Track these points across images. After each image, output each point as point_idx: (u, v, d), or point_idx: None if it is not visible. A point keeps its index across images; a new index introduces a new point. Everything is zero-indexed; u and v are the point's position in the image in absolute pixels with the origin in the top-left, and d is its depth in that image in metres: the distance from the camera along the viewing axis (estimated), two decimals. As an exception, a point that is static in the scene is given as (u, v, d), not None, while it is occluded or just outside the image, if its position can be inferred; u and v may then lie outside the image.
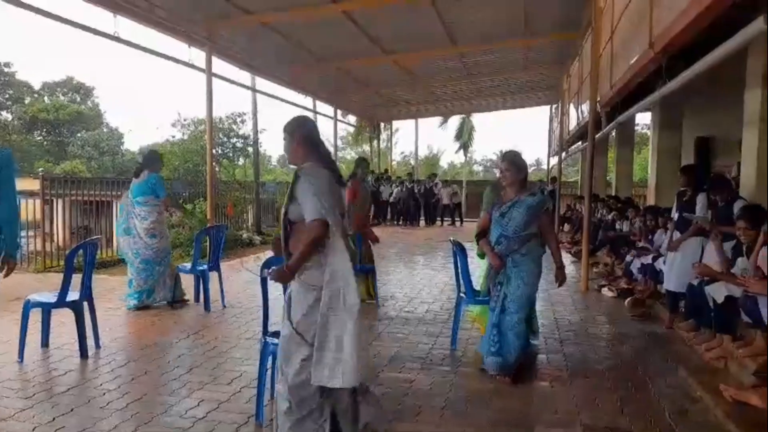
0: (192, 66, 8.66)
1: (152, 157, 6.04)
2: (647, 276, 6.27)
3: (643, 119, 19.36)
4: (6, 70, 42.14)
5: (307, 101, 14.27)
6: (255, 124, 14.15)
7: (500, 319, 3.85)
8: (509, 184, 3.84)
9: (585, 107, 9.03)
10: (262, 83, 12.35)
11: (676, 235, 5.16)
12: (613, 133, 11.04)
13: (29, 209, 8.66)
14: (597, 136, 7.52)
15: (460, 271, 4.56)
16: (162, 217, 5.84)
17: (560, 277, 4.01)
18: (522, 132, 72.59)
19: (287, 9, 8.00)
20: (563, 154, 14.02)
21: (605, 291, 6.81)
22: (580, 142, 15.67)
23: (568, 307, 6.01)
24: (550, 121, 19.94)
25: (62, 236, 10.32)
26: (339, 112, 16.18)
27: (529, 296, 3.88)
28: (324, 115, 15.31)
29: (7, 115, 42.55)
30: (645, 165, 20.22)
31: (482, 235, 4.09)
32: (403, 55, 10.91)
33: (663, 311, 5.51)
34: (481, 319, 4.57)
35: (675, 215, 5.25)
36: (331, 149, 23.01)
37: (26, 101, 42.09)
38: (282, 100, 12.82)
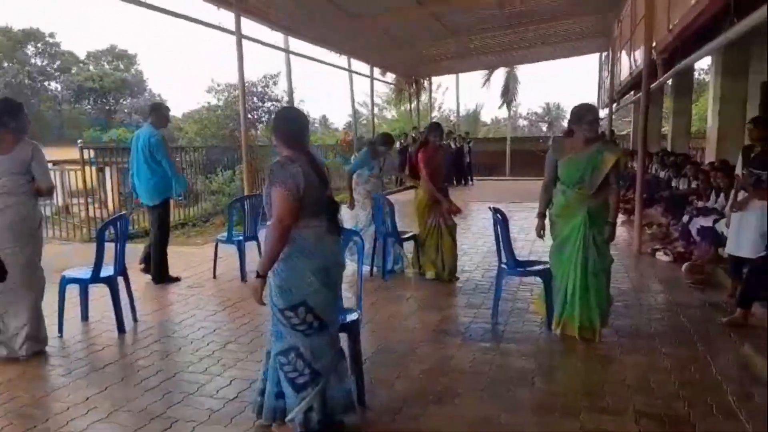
0: (221, 28, 8.43)
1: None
2: (707, 239, 5.81)
3: (701, 64, 18.03)
4: (50, 40, 43.16)
5: (342, 60, 13.89)
6: (290, 86, 13.85)
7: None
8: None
9: (638, 54, 8.32)
10: (295, 44, 12.03)
11: (742, 194, 4.68)
12: (669, 81, 10.22)
13: (79, 178, 8.88)
14: (652, 86, 6.90)
15: (501, 239, 4.29)
16: None
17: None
18: (568, 83, 69.63)
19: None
20: (614, 105, 13.18)
21: (660, 255, 6.39)
22: (632, 93, 14.76)
23: (619, 273, 5.59)
24: (600, 70, 18.86)
25: (113, 203, 10.56)
26: (377, 70, 15.72)
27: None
28: (360, 74, 14.92)
29: (56, 85, 43.88)
30: (702, 115, 18.96)
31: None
32: (439, 4, 10.32)
33: (725, 278, 5.08)
34: (540, 306, 4.27)
35: (741, 172, 4.75)
36: (365, 109, 22.51)
37: (72, 71, 43.11)
38: (316, 60, 12.49)
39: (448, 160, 16.56)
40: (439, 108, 34.68)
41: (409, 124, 24.01)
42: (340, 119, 52.26)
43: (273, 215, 2.46)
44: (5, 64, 40.53)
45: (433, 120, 22.93)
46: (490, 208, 4.44)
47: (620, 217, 9.53)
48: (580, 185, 3.76)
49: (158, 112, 5.51)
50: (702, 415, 2.80)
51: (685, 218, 6.57)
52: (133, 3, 6.82)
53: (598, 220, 3.79)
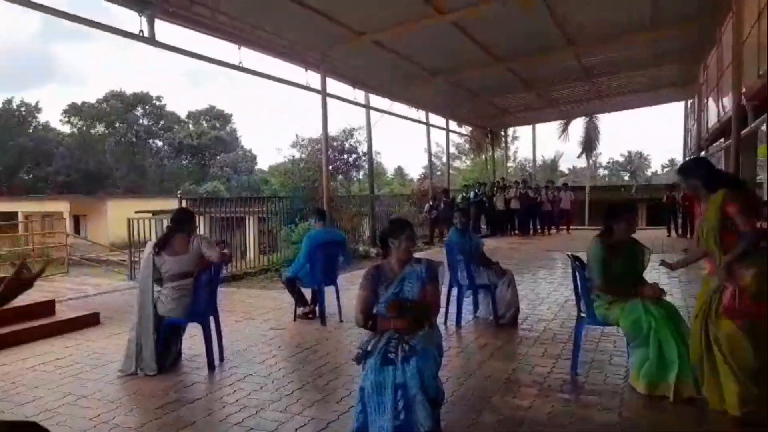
0: (308, 88, 9.07)
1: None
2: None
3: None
4: (157, 103, 47.72)
5: (420, 114, 14.34)
6: (369, 139, 14.49)
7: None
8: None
9: (726, 101, 8.00)
10: (375, 100, 12.62)
11: None
12: (764, 128, 9.67)
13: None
14: (742, 132, 6.60)
15: (579, 288, 4.20)
16: None
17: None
18: (651, 131, 66.94)
19: (396, 25, 8.08)
20: (702, 153, 12.57)
21: None
22: (721, 140, 14.02)
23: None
24: (686, 118, 18.14)
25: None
26: (453, 122, 16.03)
27: None
28: (436, 126, 15.29)
29: (159, 143, 48.16)
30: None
31: None
32: (516, 60, 10.53)
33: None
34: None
35: None
36: (438, 161, 22.66)
37: (174, 129, 47.21)
38: (395, 114, 13.00)
39: (526, 208, 16.42)
40: (514, 158, 34.47)
41: (483, 173, 24.01)
42: (413, 170, 53.13)
43: None
44: (117, 125, 45.14)
45: (508, 171, 22.69)
46: (568, 255, 4.38)
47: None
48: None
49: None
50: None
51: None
52: (233, 68, 7.54)
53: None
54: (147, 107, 47.13)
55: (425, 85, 11.70)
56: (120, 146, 44.49)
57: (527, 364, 4.44)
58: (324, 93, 8.83)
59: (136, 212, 11.69)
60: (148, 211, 14.11)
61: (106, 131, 45.35)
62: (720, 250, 3.27)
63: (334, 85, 9.83)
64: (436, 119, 15.22)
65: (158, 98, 47.54)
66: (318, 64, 8.77)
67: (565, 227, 17.39)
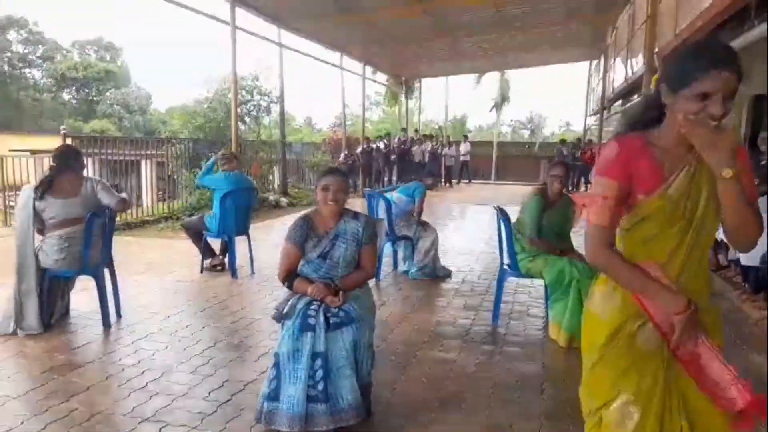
0: (215, 18, 8.23)
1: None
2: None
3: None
4: (34, 28, 42.23)
5: (334, 57, 13.72)
6: (281, 82, 13.66)
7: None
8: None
9: (637, 61, 8.29)
10: (288, 38, 11.83)
11: None
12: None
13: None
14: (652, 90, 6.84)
15: (504, 239, 4.16)
16: None
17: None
18: (552, 93, 70.28)
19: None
20: (605, 113, 13.22)
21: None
22: (620, 101, 14.83)
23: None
24: (589, 77, 18.98)
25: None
26: (368, 69, 15.57)
27: None
28: (352, 72, 14.78)
29: (38, 74, 42.97)
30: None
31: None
32: (433, 3, 10.22)
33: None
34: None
35: None
36: (350, 109, 22.53)
37: (56, 59, 42.25)
38: (310, 56, 12.32)
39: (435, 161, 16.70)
40: (423, 111, 34.67)
41: (395, 125, 23.90)
42: (323, 122, 51.89)
43: None
44: (-15, 50, 39.56)
45: (420, 124, 22.80)
46: (494, 207, 4.32)
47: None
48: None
49: None
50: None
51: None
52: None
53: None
54: (22, 32, 41.52)
55: (341, 23, 11.11)
56: (-12, 74, 39.13)
57: (449, 316, 4.40)
58: (233, 25, 8.04)
59: (10, 150, 10.36)
60: (25, 150, 12.50)
61: (-28, 57, 39.60)
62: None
63: (242, 18, 9.01)
64: (350, 65, 14.72)
65: (35, 23, 42.03)
66: (226, -8, 7.96)
67: (466, 180, 18.50)
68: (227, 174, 5.60)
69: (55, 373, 3.17)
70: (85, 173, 4.07)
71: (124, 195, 4.12)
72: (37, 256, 3.82)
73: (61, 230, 3.81)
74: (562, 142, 17.85)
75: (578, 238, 3.98)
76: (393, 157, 16.04)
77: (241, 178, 5.83)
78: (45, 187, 3.81)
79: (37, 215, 3.81)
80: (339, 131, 17.80)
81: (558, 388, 3.15)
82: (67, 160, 3.94)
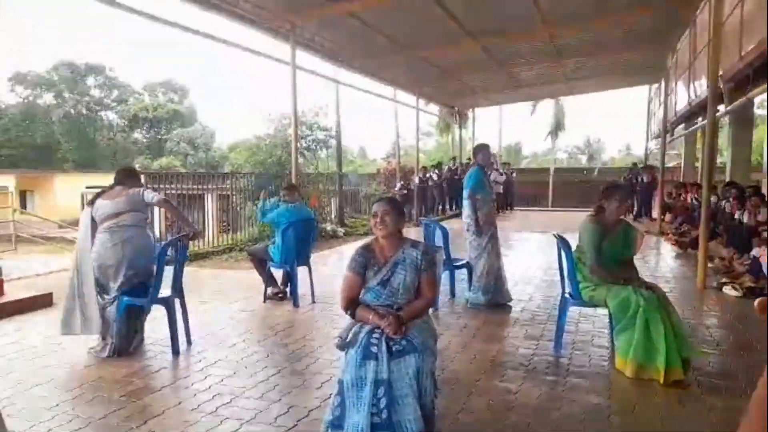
0: (276, 59, 8.65)
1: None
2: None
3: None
4: (110, 74, 45.47)
5: (387, 91, 14.05)
6: (338, 116, 14.15)
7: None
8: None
9: (700, 84, 8.06)
10: (345, 75, 12.25)
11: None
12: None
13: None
14: (718, 114, 6.64)
15: (565, 268, 4.10)
16: None
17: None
18: (609, 117, 68.56)
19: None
20: (667, 136, 12.80)
21: (728, 290, 6.02)
22: (683, 125, 14.34)
23: (686, 309, 5.31)
24: (649, 102, 18.49)
25: (159, 229, 10.84)
26: (421, 101, 15.81)
27: None
28: (405, 104, 15.04)
29: (112, 116, 46.08)
30: (756, 148, 18.31)
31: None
32: (489, 37, 10.32)
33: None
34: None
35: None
36: (402, 141, 22.64)
37: (128, 101, 45.18)
38: (364, 91, 12.67)
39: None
40: (477, 140, 34.60)
41: (447, 154, 23.96)
42: (376, 152, 52.74)
43: None
44: (66, 95, 42.80)
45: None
46: (554, 234, 4.28)
47: (673, 251, 9.20)
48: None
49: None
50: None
51: (756, 251, 6.20)
52: (192, 32, 7.06)
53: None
54: (99, 78, 44.81)
55: (395, 60, 11.40)
56: (69, 118, 42.30)
57: (510, 345, 4.34)
58: (294, 65, 8.43)
59: (87, 187, 11.08)
60: (101, 186, 13.40)
61: (55, 102, 42.99)
62: None
63: (301, 58, 9.43)
64: (403, 98, 14.99)
65: (111, 69, 45.31)
66: (287, 34, 8.35)
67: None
68: (288, 206, 5.81)
69: (132, 397, 3.36)
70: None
71: (191, 230, 4.40)
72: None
73: (107, 223, 4.10)
74: (635, 165, 17.08)
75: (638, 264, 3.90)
76: (445, 185, 16.11)
77: (302, 209, 6.03)
78: (97, 195, 4.23)
79: (93, 223, 4.15)
80: (393, 161, 18.05)
81: (625, 420, 3.05)
82: (123, 178, 4.32)
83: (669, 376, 3.45)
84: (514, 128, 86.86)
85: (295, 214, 5.77)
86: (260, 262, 5.94)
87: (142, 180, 9.35)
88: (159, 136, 44.81)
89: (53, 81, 42.76)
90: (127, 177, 4.38)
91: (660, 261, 8.55)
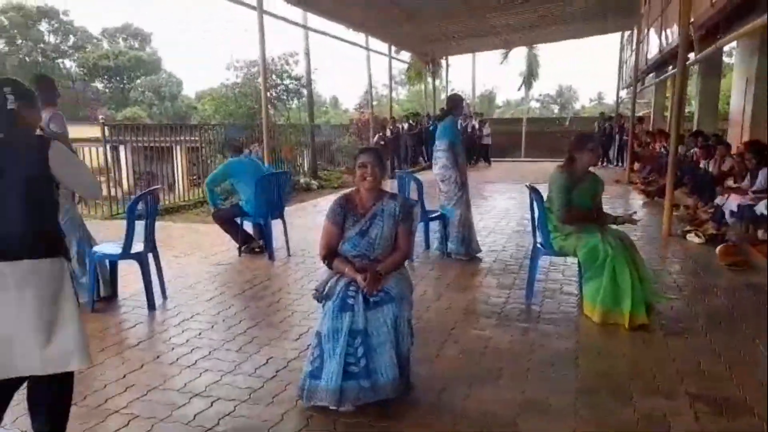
0: (242, 3, 8.29)
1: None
2: (745, 220, 5.66)
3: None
4: (64, 18, 43.03)
5: (359, 37, 13.68)
6: (308, 64, 13.73)
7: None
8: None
9: (671, 31, 8.06)
10: (314, 20, 11.84)
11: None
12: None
13: (94, 156, 8.81)
14: (688, 62, 6.67)
15: (537, 219, 4.18)
16: None
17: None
18: (583, 64, 68.37)
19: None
20: (638, 85, 12.87)
21: (691, 237, 6.24)
22: (653, 74, 14.43)
23: (651, 256, 5.51)
24: (621, 50, 18.47)
25: (127, 182, 10.56)
26: (393, 48, 15.46)
27: None
28: (377, 51, 14.71)
29: (70, 63, 43.93)
30: (723, 97, 18.64)
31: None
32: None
33: (762, 260, 4.96)
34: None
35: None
36: (375, 89, 22.24)
37: (87, 49, 43.06)
38: (335, 37, 12.31)
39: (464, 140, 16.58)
40: (452, 90, 34.26)
41: (420, 105, 23.71)
42: (349, 101, 51.88)
43: None
44: (19, 41, 40.52)
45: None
46: (526, 185, 4.33)
47: (640, 199, 9.44)
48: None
49: None
50: (758, 398, 2.70)
51: (719, 199, 6.41)
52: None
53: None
54: (53, 22, 42.42)
55: (365, 5, 11.04)
56: (24, 67, 40.14)
57: (483, 294, 4.46)
58: (260, 10, 8.09)
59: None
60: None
61: (7, 49, 40.65)
62: None
63: (269, 2, 9.06)
64: (376, 45, 14.65)
65: (65, 13, 42.85)
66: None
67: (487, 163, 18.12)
68: (240, 160, 5.74)
69: (109, 352, 3.36)
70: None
71: None
72: None
73: None
74: (602, 115, 17.74)
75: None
76: (424, 136, 16.02)
77: (251, 163, 5.93)
78: None
79: None
80: (366, 112, 17.80)
81: (593, 363, 3.20)
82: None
83: (634, 321, 3.60)
84: (488, 76, 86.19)
85: (254, 167, 5.72)
86: (229, 222, 5.86)
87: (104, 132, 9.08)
88: (122, 86, 43.06)
89: (4, 26, 40.30)
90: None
91: (628, 209, 8.76)
